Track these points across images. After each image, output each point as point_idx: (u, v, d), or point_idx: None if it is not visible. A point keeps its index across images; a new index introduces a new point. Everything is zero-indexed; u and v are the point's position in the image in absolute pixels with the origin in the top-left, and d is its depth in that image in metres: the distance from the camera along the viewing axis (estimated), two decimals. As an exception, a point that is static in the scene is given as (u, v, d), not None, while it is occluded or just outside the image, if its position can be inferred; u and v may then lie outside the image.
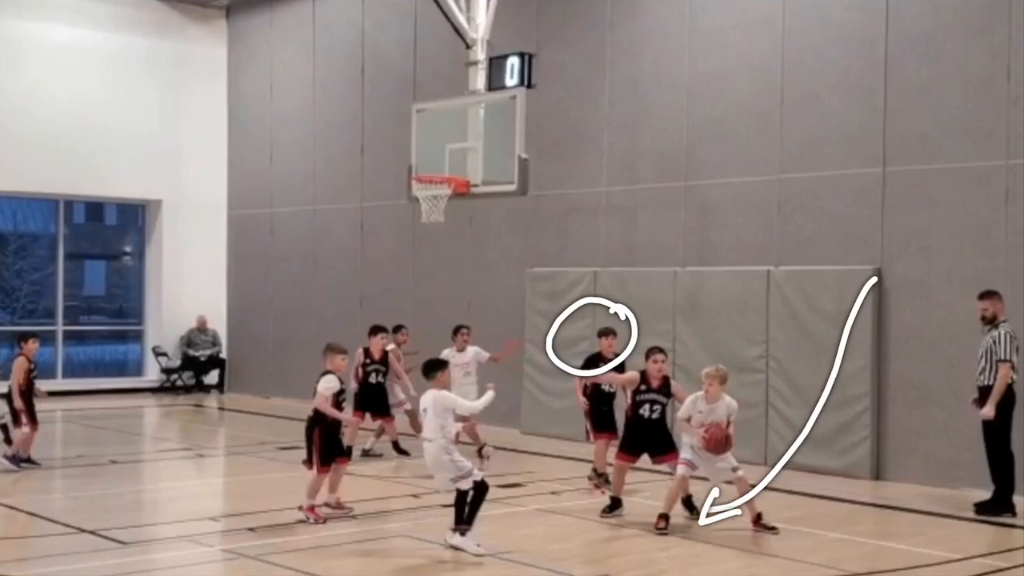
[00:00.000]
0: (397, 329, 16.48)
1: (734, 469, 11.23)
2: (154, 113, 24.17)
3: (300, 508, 11.38)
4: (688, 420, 11.21)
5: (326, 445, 11.43)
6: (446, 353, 14.48)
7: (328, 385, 11.34)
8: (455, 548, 10.06)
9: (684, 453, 11.32)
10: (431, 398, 10.24)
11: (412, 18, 20.46)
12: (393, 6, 21.25)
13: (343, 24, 22.29)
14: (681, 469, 11.29)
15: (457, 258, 19.77)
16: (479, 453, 14.74)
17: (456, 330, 15.44)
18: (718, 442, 11.02)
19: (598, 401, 13.39)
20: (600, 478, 13.29)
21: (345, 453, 12.02)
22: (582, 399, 13.46)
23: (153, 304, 24.89)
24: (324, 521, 11.26)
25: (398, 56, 20.89)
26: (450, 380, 11.14)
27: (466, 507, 10.12)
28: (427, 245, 20.11)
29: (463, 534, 10.03)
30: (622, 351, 13.54)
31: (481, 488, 10.12)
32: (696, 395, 11.28)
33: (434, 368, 10.48)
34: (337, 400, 11.42)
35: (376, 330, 15.57)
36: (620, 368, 12.96)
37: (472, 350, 15.31)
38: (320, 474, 11.46)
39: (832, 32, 15.18)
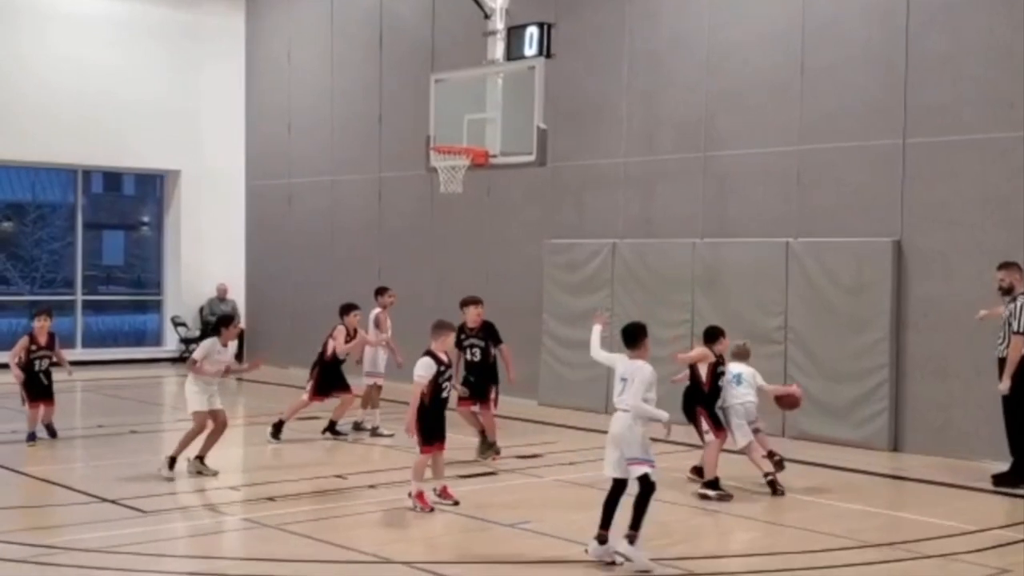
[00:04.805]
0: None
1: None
2: (172, 83, 24.19)
3: (409, 495, 10.80)
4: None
5: (426, 425, 10.77)
6: (209, 344, 12.32)
7: (419, 372, 10.71)
8: (622, 556, 8.78)
9: (758, 422, 11.95)
10: (635, 368, 9.01)
11: (430, -13, 20.40)
12: (411, -25, 21.17)
13: (361, -6, 22.22)
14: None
15: (475, 229, 19.75)
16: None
17: (225, 321, 12.74)
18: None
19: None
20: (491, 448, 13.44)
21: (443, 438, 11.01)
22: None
23: (172, 274, 25.02)
24: (431, 509, 10.67)
25: (416, 26, 20.81)
26: (648, 349, 9.34)
27: (616, 509, 8.96)
28: (445, 216, 20.09)
29: (632, 541, 8.74)
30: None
31: (649, 487, 8.84)
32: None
33: (636, 335, 9.18)
34: (437, 383, 10.72)
35: (348, 308, 15.08)
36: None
37: (233, 345, 12.75)
38: (424, 454, 10.83)
39: (853, 3, 15.06)
